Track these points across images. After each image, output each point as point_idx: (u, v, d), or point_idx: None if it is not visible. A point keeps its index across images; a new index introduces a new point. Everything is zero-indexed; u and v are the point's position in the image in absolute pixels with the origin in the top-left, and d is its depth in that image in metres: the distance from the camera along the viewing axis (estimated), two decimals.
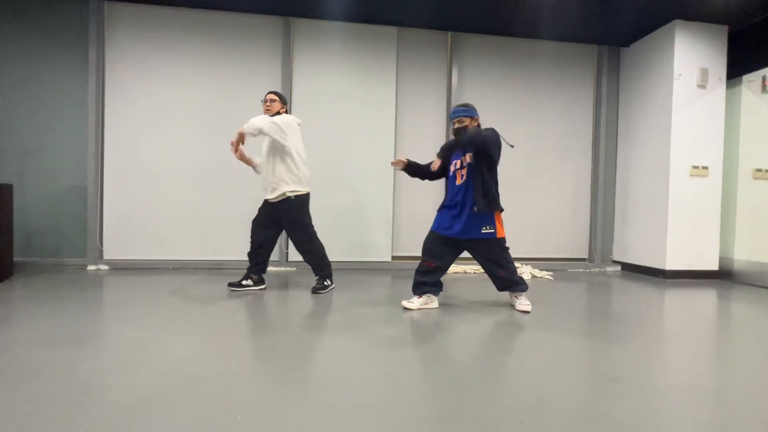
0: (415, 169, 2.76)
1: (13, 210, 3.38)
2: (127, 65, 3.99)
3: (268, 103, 2.91)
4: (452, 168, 2.62)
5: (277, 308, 2.61)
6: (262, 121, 2.73)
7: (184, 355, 1.76)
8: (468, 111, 2.55)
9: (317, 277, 3.08)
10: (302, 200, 2.90)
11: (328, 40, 4.26)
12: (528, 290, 2.71)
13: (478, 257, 2.61)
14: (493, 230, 2.49)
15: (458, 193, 2.54)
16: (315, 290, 3.02)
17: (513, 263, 2.62)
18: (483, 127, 2.57)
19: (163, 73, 4.04)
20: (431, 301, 2.67)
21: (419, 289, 2.65)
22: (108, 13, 3.96)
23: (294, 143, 2.85)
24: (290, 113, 4.19)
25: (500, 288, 2.69)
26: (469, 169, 2.52)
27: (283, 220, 2.92)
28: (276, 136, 2.75)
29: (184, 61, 4.07)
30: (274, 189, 2.87)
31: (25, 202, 3.85)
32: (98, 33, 3.90)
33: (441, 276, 2.67)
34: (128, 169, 4.00)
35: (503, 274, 2.60)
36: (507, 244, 2.62)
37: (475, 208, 2.45)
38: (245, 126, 2.72)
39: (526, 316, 2.53)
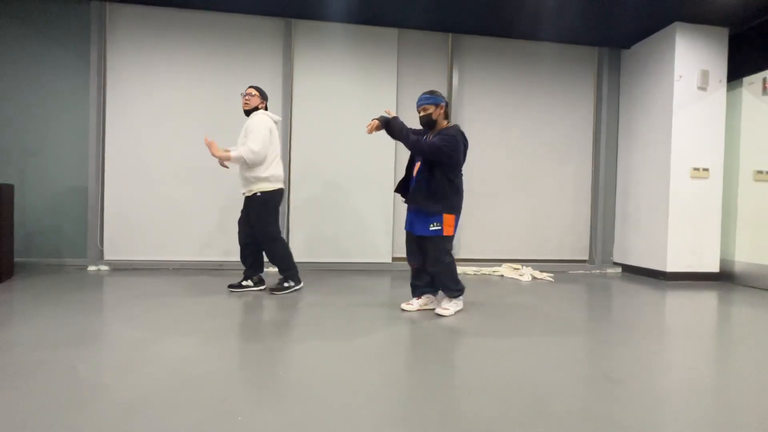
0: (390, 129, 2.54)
1: (14, 210, 3.38)
2: (128, 66, 4.00)
3: (247, 97, 2.88)
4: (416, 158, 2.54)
5: (277, 309, 2.60)
6: (245, 153, 2.73)
7: (184, 355, 1.76)
8: (433, 98, 2.46)
9: (281, 276, 3.02)
10: (266, 197, 2.84)
11: (329, 42, 4.27)
12: (459, 297, 2.59)
13: (426, 253, 2.52)
14: (439, 227, 2.42)
15: (413, 186, 2.51)
16: (272, 290, 2.96)
17: (452, 265, 2.51)
18: (452, 115, 2.48)
19: (164, 74, 4.05)
20: (431, 301, 2.66)
21: (415, 291, 2.67)
22: (110, 15, 3.97)
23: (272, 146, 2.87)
24: (292, 114, 4.19)
25: (437, 286, 2.62)
26: (421, 164, 2.47)
27: (250, 215, 2.90)
28: (257, 161, 2.78)
29: (185, 63, 4.08)
30: (243, 185, 2.90)
31: (25, 203, 3.85)
32: (100, 34, 3.91)
33: (426, 276, 2.62)
34: (129, 170, 4.01)
35: (433, 270, 2.51)
36: (451, 246, 2.51)
37: (425, 208, 2.42)
38: (233, 156, 2.73)
39: (527, 319, 2.53)
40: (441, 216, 2.43)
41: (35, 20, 3.86)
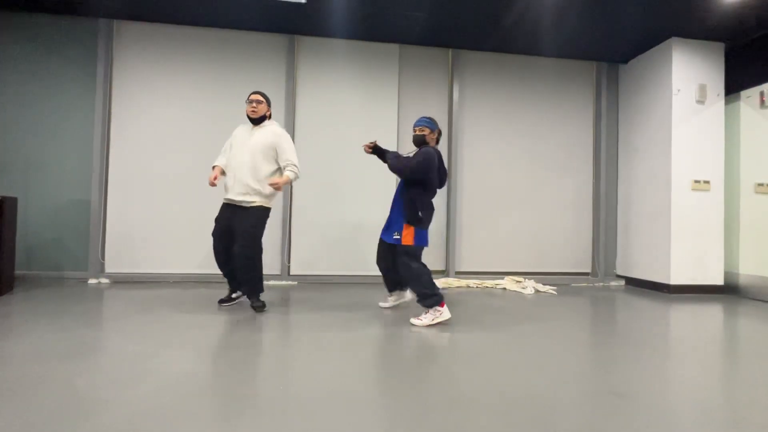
0: (381, 155, 2.85)
1: (16, 223, 3.38)
2: (133, 82, 4.07)
3: (254, 105, 2.78)
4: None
5: (279, 323, 2.58)
6: (295, 172, 2.82)
7: (184, 370, 1.74)
8: (431, 124, 2.78)
9: (254, 293, 2.88)
10: (268, 211, 2.90)
11: (331, 58, 4.34)
12: (436, 307, 2.58)
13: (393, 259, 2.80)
14: (398, 237, 2.66)
15: (395, 198, 2.80)
16: (256, 308, 2.83)
17: (417, 274, 2.58)
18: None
19: (169, 89, 4.11)
20: (400, 298, 3.04)
21: (387, 288, 3.03)
22: (116, 31, 4.05)
23: None
24: (294, 128, 4.24)
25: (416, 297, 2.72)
26: (401, 180, 2.75)
27: (245, 224, 2.79)
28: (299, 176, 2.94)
29: (189, 78, 4.15)
30: (243, 193, 2.78)
31: (28, 215, 3.86)
32: (106, 50, 3.99)
33: (392, 276, 2.93)
34: (132, 183, 4.03)
35: (402, 276, 2.72)
36: (415, 254, 2.65)
37: (404, 220, 2.65)
38: (290, 178, 2.80)
39: (530, 333, 2.50)
40: (402, 225, 2.65)
41: (43, 36, 3.95)
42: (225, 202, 2.87)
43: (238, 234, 2.75)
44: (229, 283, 2.96)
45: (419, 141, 2.75)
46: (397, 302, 3.03)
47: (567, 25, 3.92)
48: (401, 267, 2.67)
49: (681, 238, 4.02)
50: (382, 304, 3.05)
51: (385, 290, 3.06)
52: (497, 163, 4.67)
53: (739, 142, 4.17)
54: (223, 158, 2.92)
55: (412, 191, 2.66)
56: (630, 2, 3.52)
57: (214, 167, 2.89)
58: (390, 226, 2.76)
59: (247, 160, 2.76)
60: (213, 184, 2.80)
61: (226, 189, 2.85)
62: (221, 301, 2.96)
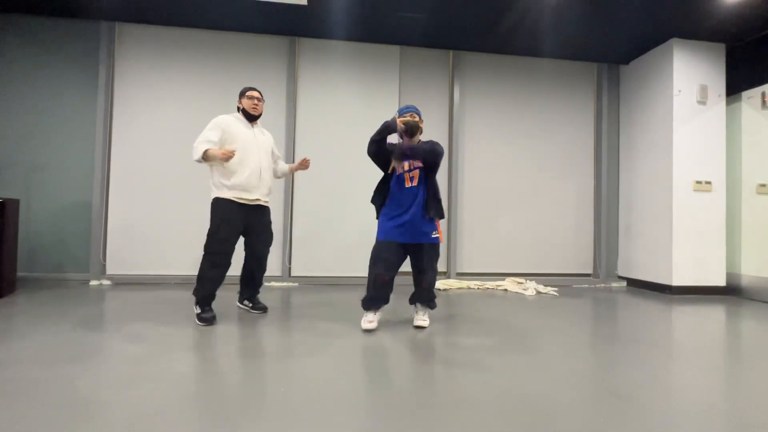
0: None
1: (18, 225, 3.39)
2: (135, 84, 4.08)
3: (256, 102, 2.72)
4: (399, 170, 2.48)
5: (279, 325, 2.58)
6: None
7: (185, 372, 1.74)
8: (418, 111, 2.55)
9: (257, 293, 2.89)
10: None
11: (332, 59, 4.35)
12: (433, 308, 2.61)
13: (419, 263, 2.47)
14: (437, 235, 2.47)
15: (408, 196, 2.42)
16: (261, 309, 2.82)
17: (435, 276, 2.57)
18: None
19: (170, 91, 4.12)
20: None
21: (376, 304, 2.50)
22: (118, 34, 4.07)
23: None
24: (295, 129, 4.24)
25: (416, 299, 2.55)
26: (421, 173, 2.44)
27: (266, 224, 2.81)
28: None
29: (191, 80, 4.16)
30: (267, 192, 2.77)
31: (30, 217, 3.87)
32: (108, 52, 4.00)
33: (390, 288, 2.51)
34: (133, 185, 4.04)
35: (427, 284, 2.49)
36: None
37: (430, 215, 2.40)
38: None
39: (531, 334, 2.49)
40: (435, 223, 2.48)
41: (46, 38, 3.96)
42: (237, 201, 2.58)
43: (259, 232, 2.74)
44: (213, 297, 2.61)
45: (414, 128, 2.44)
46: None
47: (567, 26, 3.92)
48: (432, 270, 2.47)
49: (682, 239, 4.01)
50: (367, 326, 2.41)
51: (363, 307, 2.54)
52: (498, 164, 4.66)
53: (741, 143, 4.16)
54: (213, 144, 2.57)
55: (430, 182, 2.44)
56: (631, 3, 3.51)
57: (207, 150, 2.50)
58: (420, 226, 2.38)
59: (267, 162, 2.77)
60: (232, 154, 2.47)
61: (242, 188, 2.59)
62: (209, 320, 2.50)
